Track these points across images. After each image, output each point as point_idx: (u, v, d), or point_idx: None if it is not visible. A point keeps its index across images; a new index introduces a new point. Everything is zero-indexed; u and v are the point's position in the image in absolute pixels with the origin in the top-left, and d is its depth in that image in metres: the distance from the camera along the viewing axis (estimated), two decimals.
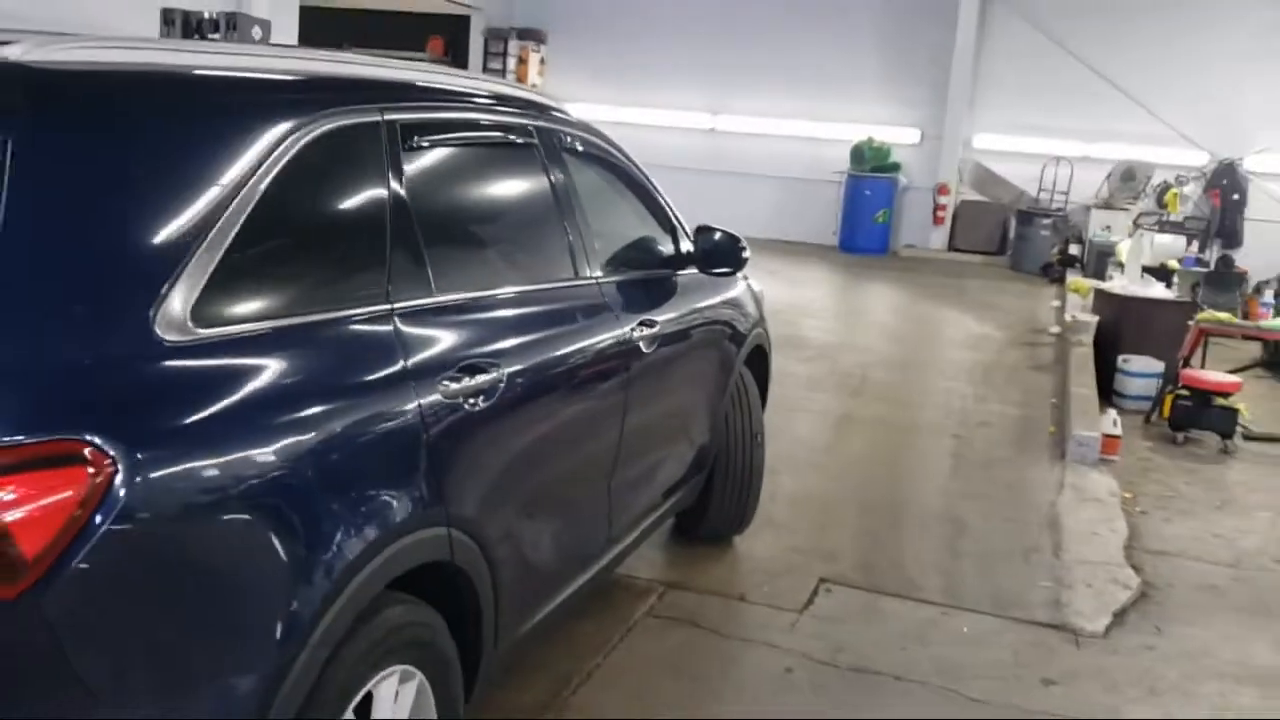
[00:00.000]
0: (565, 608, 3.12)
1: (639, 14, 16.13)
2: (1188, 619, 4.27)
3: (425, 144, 2.60)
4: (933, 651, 3.82)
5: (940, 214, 15.33)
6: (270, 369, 1.98)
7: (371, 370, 2.20)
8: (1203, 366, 7.62)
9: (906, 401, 7.54)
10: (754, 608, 4.09)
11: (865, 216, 15.34)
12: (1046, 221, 14.19)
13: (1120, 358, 7.70)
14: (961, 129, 15.18)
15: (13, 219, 1.68)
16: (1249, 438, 6.91)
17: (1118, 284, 8.94)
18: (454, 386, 2.37)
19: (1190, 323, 7.68)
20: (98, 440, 1.62)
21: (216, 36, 3.75)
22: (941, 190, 15.27)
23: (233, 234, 1.96)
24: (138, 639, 1.71)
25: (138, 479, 1.65)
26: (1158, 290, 8.65)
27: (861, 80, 15.55)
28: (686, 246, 3.91)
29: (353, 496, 2.06)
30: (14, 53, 1.81)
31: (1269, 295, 10.27)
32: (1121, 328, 8.09)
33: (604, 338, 3.14)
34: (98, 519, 1.61)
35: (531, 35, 16.68)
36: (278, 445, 1.91)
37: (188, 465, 1.75)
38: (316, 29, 11.59)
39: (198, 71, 2.18)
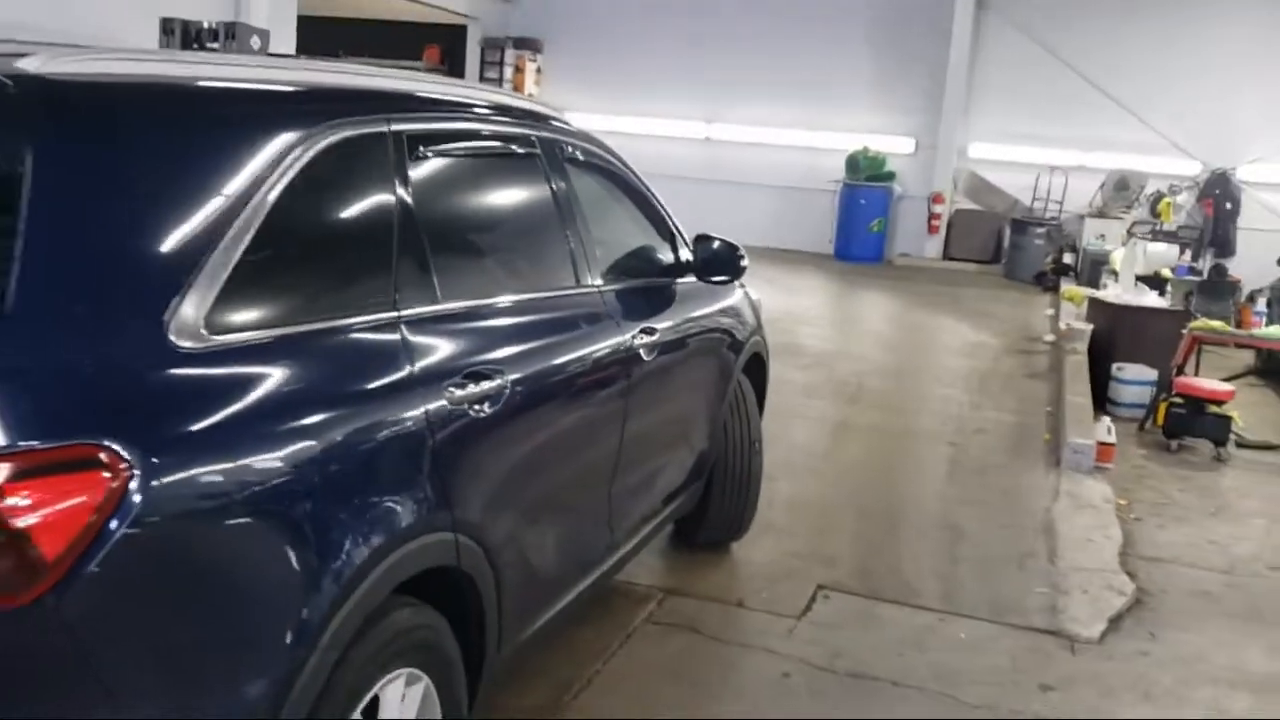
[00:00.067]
0: (567, 613, 3.15)
1: (635, 24, 16.18)
2: (1182, 625, 4.30)
3: (431, 154, 2.64)
4: (930, 657, 3.85)
5: (935, 223, 15.38)
6: (281, 376, 2.01)
7: (379, 377, 2.24)
8: (1196, 374, 7.68)
9: (903, 409, 7.58)
10: (752, 614, 4.11)
11: (860, 225, 15.39)
12: (1041, 230, 14.25)
13: (1114, 366, 7.74)
14: (956, 138, 15.24)
15: (32, 227, 1.71)
16: (1242, 445, 6.95)
17: (1112, 293, 9.01)
18: (459, 393, 2.40)
19: (1184, 331, 7.73)
20: (115, 445, 1.65)
21: (216, 46, 3.77)
22: (936, 199, 15.32)
23: (245, 242, 1.99)
24: (153, 640, 1.74)
25: (153, 483, 1.68)
26: (1151, 299, 8.72)
27: (856, 89, 15.61)
28: (685, 255, 3.94)
29: (362, 501, 2.09)
30: (32, 65, 1.85)
31: (1261, 304, 10.35)
32: (1115, 336, 8.13)
33: (605, 345, 3.18)
34: (114, 522, 1.63)
35: (528, 45, 16.72)
36: (289, 450, 1.94)
37: (202, 469, 1.78)
38: (313, 38, 11.62)
39: (211, 84, 2.22)
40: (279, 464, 1.92)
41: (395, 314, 2.34)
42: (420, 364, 2.34)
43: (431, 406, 2.31)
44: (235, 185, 2.02)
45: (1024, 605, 4.35)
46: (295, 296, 2.16)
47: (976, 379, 8.49)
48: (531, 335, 2.84)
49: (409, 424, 2.25)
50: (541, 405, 2.82)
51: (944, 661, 3.82)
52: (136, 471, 1.66)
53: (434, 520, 2.30)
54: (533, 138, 3.19)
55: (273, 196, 2.07)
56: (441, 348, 2.46)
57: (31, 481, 1.59)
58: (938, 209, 15.33)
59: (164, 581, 1.75)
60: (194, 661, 1.81)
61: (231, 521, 1.84)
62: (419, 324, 2.40)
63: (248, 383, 1.94)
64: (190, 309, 1.86)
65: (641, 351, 3.36)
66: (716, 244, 3.92)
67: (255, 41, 3.88)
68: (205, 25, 3.83)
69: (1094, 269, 11.60)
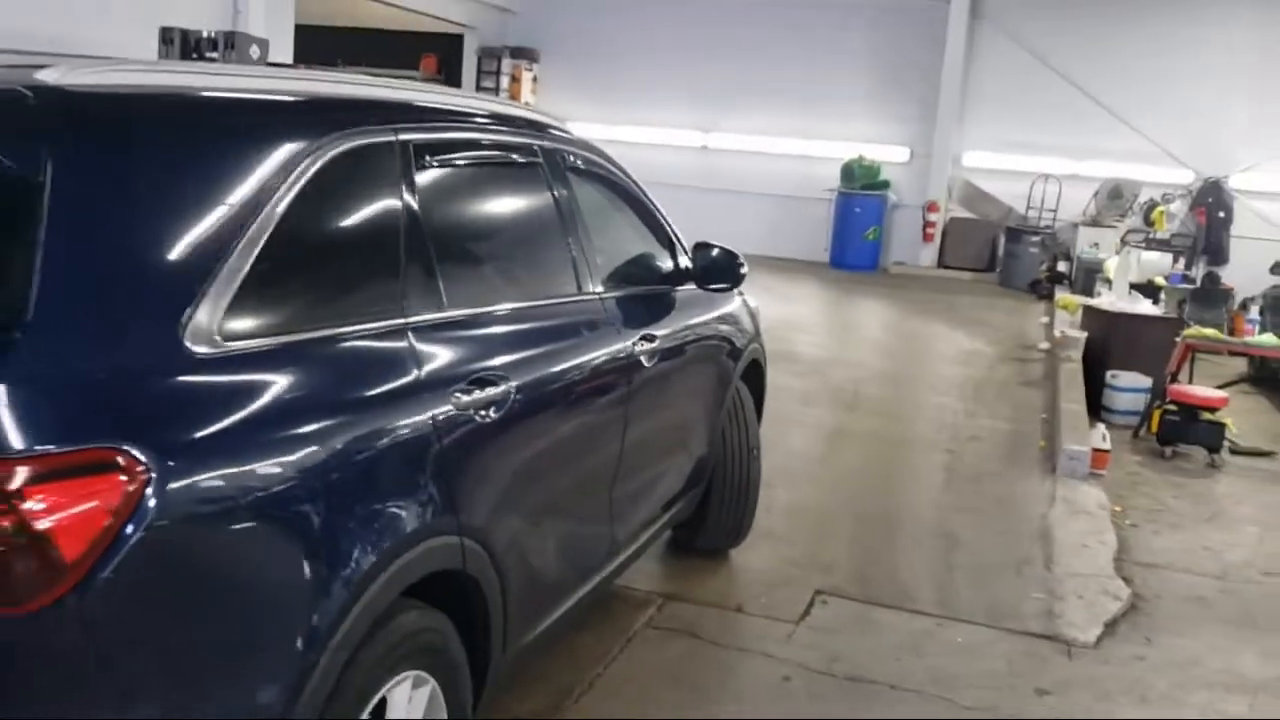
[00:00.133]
0: (569, 617, 3.18)
1: (631, 33, 16.23)
2: (1177, 630, 4.34)
3: (437, 163, 2.68)
4: (927, 661, 3.88)
5: (930, 231, 15.44)
6: (291, 381, 2.04)
7: (387, 382, 2.27)
8: (1190, 382, 7.73)
9: (899, 416, 7.62)
10: (751, 619, 4.14)
11: (856, 234, 15.44)
12: (1035, 239, 14.30)
13: (1109, 373, 7.78)
14: (950, 147, 15.31)
15: (52, 236, 1.74)
16: (1235, 452, 7.00)
17: (1106, 300, 9.05)
18: (465, 399, 2.44)
19: (1177, 339, 7.78)
20: (132, 449, 1.68)
21: (215, 55, 3.80)
22: (931, 208, 15.38)
23: (257, 250, 2.03)
24: (168, 641, 1.77)
25: (169, 486, 1.71)
26: (1145, 307, 8.76)
27: (852, 99, 15.67)
28: (685, 263, 3.98)
29: (371, 504, 2.12)
30: (51, 76, 1.88)
31: (1254, 311, 10.39)
32: (1110, 344, 8.18)
33: (607, 352, 3.21)
34: (131, 525, 1.66)
35: (524, 54, 16.77)
36: (300, 455, 1.98)
37: (216, 473, 1.81)
38: (311, 47, 11.65)
39: (225, 95, 2.25)
40: (290, 468, 1.95)
41: (403, 321, 2.38)
42: (427, 370, 2.38)
43: (438, 412, 2.34)
44: (248, 194, 2.06)
45: (1020, 610, 4.38)
46: (306, 303, 2.20)
47: (972, 386, 8.54)
48: (535, 342, 2.88)
49: (417, 429, 2.28)
50: (545, 411, 2.86)
51: (941, 665, 3.85)
52: (153, 475, 1.69)
53: (440, 524, 2.33)
54: (535, 147, 3.23)
55: (284, 205, 2.11)
56: (448, 354, 2.49)
57: (51, 485, 1.62)
58: (932, 217, 15.39)
59: (179, 583, 1.78)
60: (206, 662, 1.84)
61: (245, 524, 1.87)
62: (426, 330, 2.43)
63: (260, 388, 1.97)
64: (205, 315, 1.90)
65: (642, 358, 3.39)
66: (716, 252, 3.95)
67: (255, 51, 3.90)
68: (205, 34, 3.85)
69: (1088, 277, 11.65)
